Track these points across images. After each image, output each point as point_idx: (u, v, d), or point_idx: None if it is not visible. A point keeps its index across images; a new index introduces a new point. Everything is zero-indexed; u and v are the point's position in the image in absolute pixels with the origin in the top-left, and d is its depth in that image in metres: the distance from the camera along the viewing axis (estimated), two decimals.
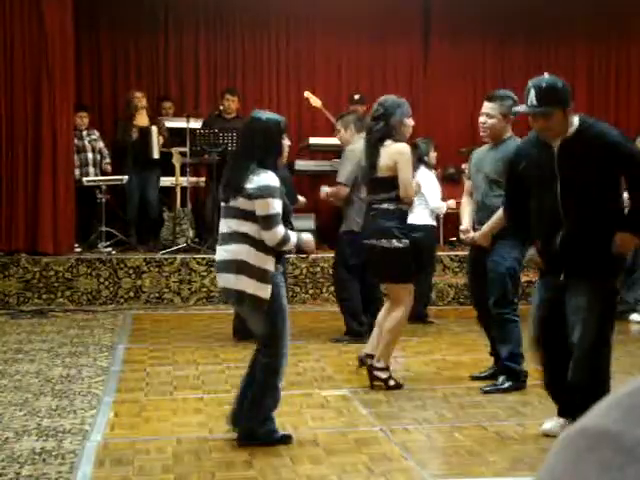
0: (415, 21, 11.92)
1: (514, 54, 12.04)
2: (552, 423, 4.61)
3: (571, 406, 4.51)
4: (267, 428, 4.46)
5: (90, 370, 6.14)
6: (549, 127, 4.28)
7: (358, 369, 6.07)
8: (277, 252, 4.37)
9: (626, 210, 4.56)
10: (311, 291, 9.45)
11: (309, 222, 9.85)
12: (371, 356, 5.83)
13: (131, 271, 9.10)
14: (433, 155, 8.44)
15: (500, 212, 5.33)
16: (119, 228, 9.99)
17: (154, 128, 9.90)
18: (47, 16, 9.11)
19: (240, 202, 4.35)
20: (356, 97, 10.04)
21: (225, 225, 4.46)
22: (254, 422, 4.44)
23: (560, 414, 4.61)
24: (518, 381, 5.61)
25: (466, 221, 5.73)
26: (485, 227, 5.58)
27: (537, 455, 4.31)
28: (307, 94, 9.94)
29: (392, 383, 5.68)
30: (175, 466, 4.15)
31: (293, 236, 4.36)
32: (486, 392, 5.57)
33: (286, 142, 4.56)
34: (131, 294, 9.10)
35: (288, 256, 9.36)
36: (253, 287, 4.30)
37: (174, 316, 8.54)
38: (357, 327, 7.19)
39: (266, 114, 4.61)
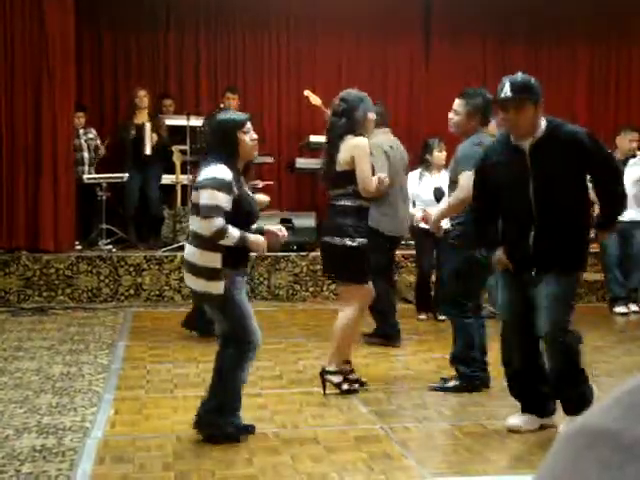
0: (415, 21, 11.91)
1: (514, 54, 12.02)
2: (518, 419, 4.73)
3: (535, 402, 4.73)
4: (226, 420, 4.47)
5: (90, 368, 6.15)
6: (518, 121, 4.36)
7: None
8: (233, 253, 4.34)
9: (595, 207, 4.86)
10: (311, 289, 9.46)
11: (310, 220, 9.85)
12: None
13: (131, 269, 9.10)
14: (439, 155, 8.15)
15: (451, 200, 5.42)
16: (119, 226, 10.00)
17: (148, 125, 9.90)
18: (48, 15, 9.11)
19: (193, 196, 4.47)
20: None
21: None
22: (208, 410, 4.47)
23: (524, 410, 4.76)
24: (469, 383, 5.54)
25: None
26: (435, 214, 5.67)
27: (537, 453, 4.32)
28: (307, 93, 9.93)
29: (345, 387, 5.44)
30: (175, 464, 4.16)
31: (235, 232, 4.29)
32: (432, 389, 5.59)
33: (247, 137, 4.45)
34: (131, 292, 9.10)
35: (288, 254, 9.38)
36: (203, 285, 4.39)
37: (174, 314, 8.53)
38: (389, 329, 6.97)
39: (224, 112, 4.67)
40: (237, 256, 4.41)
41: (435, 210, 5.78)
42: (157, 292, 9.13)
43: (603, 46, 12.26)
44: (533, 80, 4.46)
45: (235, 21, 11.50)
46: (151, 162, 10.05)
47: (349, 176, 5.36)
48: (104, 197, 9.62)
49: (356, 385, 5.51)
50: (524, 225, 4.47)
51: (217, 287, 4.35)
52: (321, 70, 11.67)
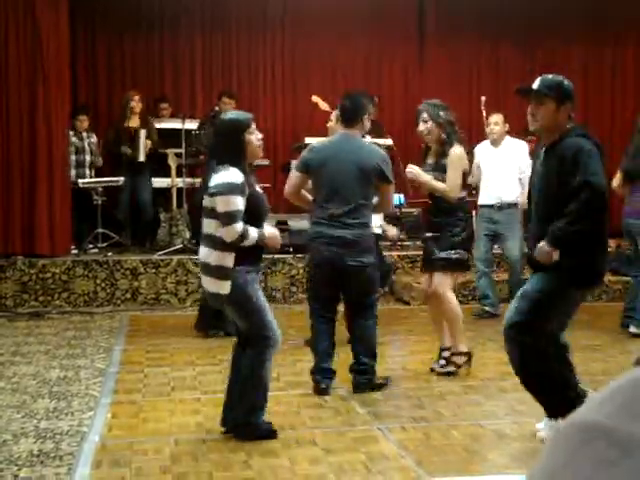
0: (410, 22, 11.92)
1: (510, 54, 12.04)
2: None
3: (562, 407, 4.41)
4: (254, 421, 4.54)
5: (87, 372, 6.14)
6: (537, 114, 4.37)
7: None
8: (246, 251, 4.40)
9: None
10: None
11: (305, 222, 9.81)
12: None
13: (128, 272, 9.09)
14: None
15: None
16: (115, 230, 9.99)
17: (142, 131, 9.90)
18: (42, 19, 9.09)
19: (206, 201, 4.53)
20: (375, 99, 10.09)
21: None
22: (240, 414, 4.54)
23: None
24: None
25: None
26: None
27: (534, 453, 4.32)
28: (315, 98, 9.74)
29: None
30: (173, 467, 4.16)
31: (253, 232, 4.40)
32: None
33: (253, 137, 4.52)
34: (128, 295, 9.09)
35: (284, 256, 9.37)
36: (213, 285, 4.47)
37: (171, 317, 8.53)
38: None
39: (229, 114, 4.73)
40: (251, 254, 4.46)
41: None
42: (154, 296, 9.12)
43: (598, 47, 12.28)
44: (565, 82, 4.45)
45: (230, 22, 11.50)
46: (142, 166, 10.04)
47: None
48: (100, 201, 9.61)
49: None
50: (533, 229, 4.49)
51: (225, 287, 4.42)
52: (316, 72, 11.67)
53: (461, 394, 5.54)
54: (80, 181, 9.83)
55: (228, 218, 4.36)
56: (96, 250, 9.61)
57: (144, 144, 9.92)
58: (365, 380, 5.57)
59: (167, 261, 9.17)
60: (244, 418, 4.53)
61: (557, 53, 12.11)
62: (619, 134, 11.46)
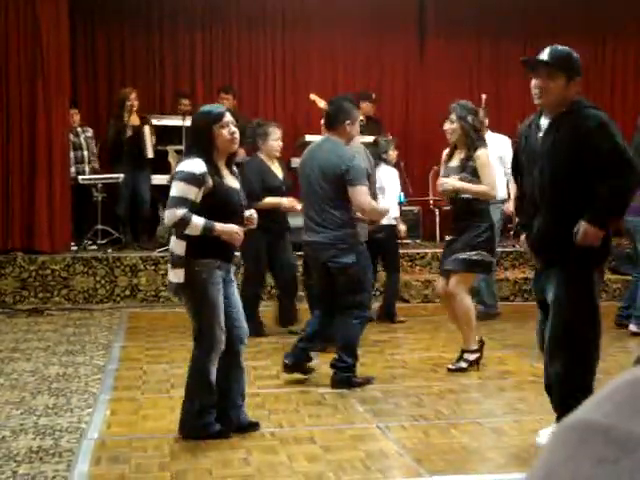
0: (410, 17, 11.90)
1: (510, 49, 12.02)
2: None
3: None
4: (203, 422, 4.52)
5: (87, 368, 6.15)
6: (547, 89, 4.10)
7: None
8: (198, 241, 4.35)
9: None
10: None
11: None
12: None
13: (127, 269, 9.09)
14: (393, 153, 8.35)
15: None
16: (115, 227, 9.98)
17: (147, 127, 9.88)
18: (42, 14, 9.09)
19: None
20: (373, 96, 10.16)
21: None
22: (189, 415, 4.52)
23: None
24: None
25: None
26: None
27: (533, 451, 4.32)
28: (313, 97, 9.73)
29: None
30: (172, 464, 4.16)
31: (198, 221, 4.30)
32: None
33: (225, 131, 4.42)
34: (127, 292, 9.09)
35: None
36: (172, 274, 4.50)
37: (170, 314, 8.53)
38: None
39: (204, 107, 4.71)
40: (205, 245, 4.38)
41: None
42: (153, 292, 9.12)
43: (599, 43, 12.27)
44: (574, 55, 4.22)
45: (230, 19, 11.48)
46: (144, 163, 10.03)
47: None
48: (99, 198, 9.60)
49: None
50: (532, 210, 4.25)
51: (178, 275, 4.42)
52: (316, 68, 11.66)
53: (460, 392, 5.54)
54: (80, 177, 9.82)
55: (171, 202, 4.39)
56: (95, 247, 9.62)
57: (150, 140, 9.90)
58: (343, 377, 5.61)
59: (167, 258, 9.13)
60: (196, 419, 4.50)
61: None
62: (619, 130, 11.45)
